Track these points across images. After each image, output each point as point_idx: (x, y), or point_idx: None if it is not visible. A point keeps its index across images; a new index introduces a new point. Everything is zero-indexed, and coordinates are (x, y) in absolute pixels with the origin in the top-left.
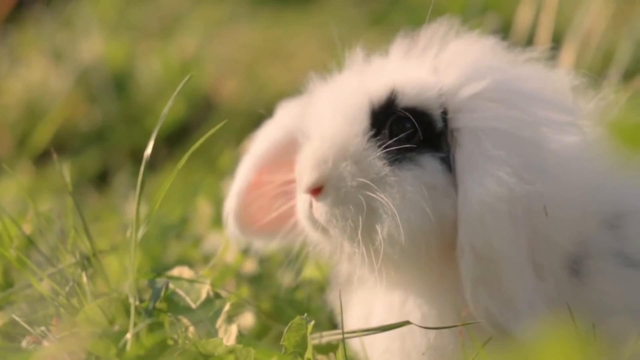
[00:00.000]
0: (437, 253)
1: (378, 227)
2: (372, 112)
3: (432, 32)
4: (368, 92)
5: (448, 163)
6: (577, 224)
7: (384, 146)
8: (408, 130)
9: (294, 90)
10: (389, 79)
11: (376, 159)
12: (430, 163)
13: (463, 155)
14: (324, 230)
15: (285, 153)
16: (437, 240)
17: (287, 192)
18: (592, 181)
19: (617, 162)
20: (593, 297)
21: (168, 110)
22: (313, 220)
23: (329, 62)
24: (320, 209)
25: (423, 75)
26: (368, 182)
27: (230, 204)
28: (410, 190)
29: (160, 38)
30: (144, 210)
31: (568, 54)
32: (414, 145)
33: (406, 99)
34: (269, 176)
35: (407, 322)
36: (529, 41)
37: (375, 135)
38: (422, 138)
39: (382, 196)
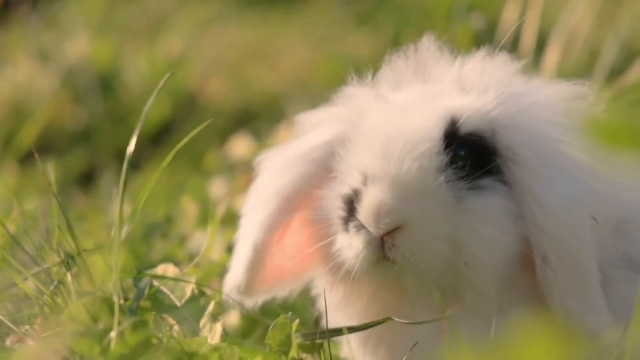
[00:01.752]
0: None
1: (469, 256)
2: (440, 143)
3: (426, 50)
4: (431, 122)
5: (505, 184)
6: (600, 231)
7: (457, 176)
8: (465, 157)
9: (280, 90)
10: (444, 107)
11: (453, 190)
12: (497, 186)
13: (525, 170)
14: (390, 269)
15: (303, 192)
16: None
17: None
18: (601, 187)
19: (603, 162)
20: (610, 301)
21: (151, 109)
22: (379, 261)
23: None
24: (402, 247)
25: (470, 100)
26: (452, 213)
27: (240, 275)
28: (493, 215)
29: (146, 38)
30: (128, 209)
31: (553, 54)
32: (481, 172)
33: (466, 126)
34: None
35: (389, 319)
36: (515, 40)
37: (444, 165)
38: (482, 163)
39: (470, 225)
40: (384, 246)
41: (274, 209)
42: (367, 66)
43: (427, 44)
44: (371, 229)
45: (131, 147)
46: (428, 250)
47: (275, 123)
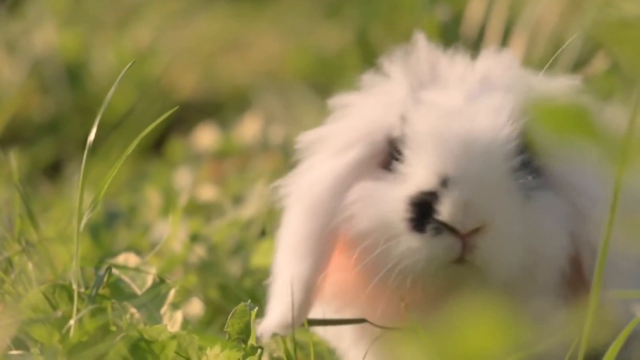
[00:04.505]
0: None
1: (539, 256)
2: (514, 143)
3: (427, 49)
4: (500, 122)
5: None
6: None
7: (524, 176)
8: (526, 157)
9: (249, 81)
10: (502, 107)
11: (522, 190)
12: (548, 184)
13: (567, 166)
14: (458, 272)
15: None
16: None
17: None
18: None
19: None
20: None
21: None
22: (449, 264)
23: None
24: (484, 248)
25: (515, 98)
26: (523, 214)
27: (288, 317)
28: (557, 214)
29: (114, 29)
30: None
31: (519, 45)
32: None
33: (523, 125)
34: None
35: (363, 320)
36: (481, 32)
37: (517, 166)
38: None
39: (539, 225)
40: (464, 248)
41: (320, 250)
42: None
43: (423, 43)
44: (458, 227)
45: (92, 135)
46: (507, 251)
47: (242, 113)
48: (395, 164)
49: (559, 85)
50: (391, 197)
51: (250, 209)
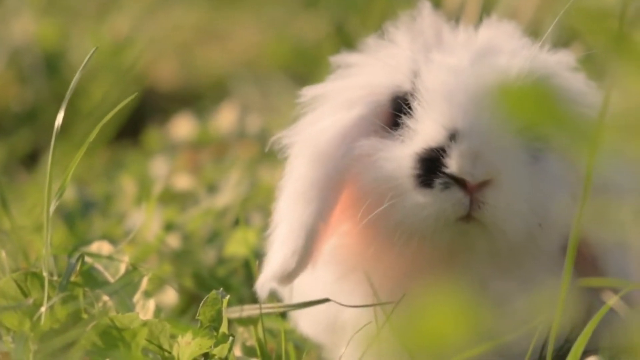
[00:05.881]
0: None
1: (544, 218)
2: None
3: (432, 18)
4: (510, 79)
5: None
6: None
7: (531, 137)
8: None
9: (228, 71)
10: (509, 66)
11: (529, 150)
12: (550, 147)
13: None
14: (464, 230)
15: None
16: None
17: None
18: None
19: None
20: None
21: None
22: (456, 221)
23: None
24: (492, 204)
25: (521, 60)
26: (530, 174)
27: (290, 264)
28: (565, 179)
29: (93, 18)
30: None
31: None
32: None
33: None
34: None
35: (327, 300)
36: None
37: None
38: None
39: (547, 187)
40: (472, 204)
41: (325, 197)
42: (315, 48)
43: (428, 11)
44: (467, 178)
45: (59, 119)
46: (514, 209)
47: (220, 103)
48: (400, 122)
49: (557, 60)
50: (397, 154)
51: (224, 198)
